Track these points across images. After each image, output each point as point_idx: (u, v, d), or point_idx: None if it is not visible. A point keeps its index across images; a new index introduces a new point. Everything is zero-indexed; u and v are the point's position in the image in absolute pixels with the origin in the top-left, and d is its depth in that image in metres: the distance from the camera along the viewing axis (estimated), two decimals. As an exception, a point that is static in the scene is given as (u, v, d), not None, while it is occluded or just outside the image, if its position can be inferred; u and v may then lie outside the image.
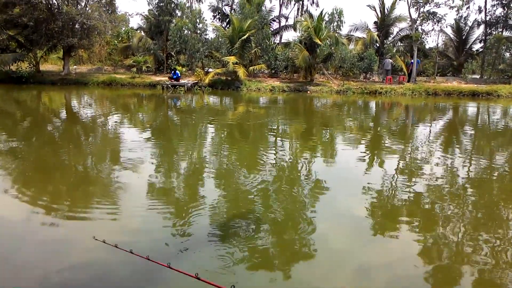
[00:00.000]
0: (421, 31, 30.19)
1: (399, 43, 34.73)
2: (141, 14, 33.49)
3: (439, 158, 9.29)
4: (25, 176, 7.02)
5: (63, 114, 15.95)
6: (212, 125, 13.72)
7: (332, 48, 27.63)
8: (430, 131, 13.62)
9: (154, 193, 6.24)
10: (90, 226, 4.95)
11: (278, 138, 11.39)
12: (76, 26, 26.89)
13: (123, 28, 35.16)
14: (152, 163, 8.09)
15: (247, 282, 3.84)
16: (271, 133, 12.34)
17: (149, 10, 31.85)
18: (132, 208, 5.53)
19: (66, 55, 28.60)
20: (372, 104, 22.56)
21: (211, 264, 4.12)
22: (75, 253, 4.29)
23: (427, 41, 34.36)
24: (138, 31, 33.78)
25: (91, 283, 3.77)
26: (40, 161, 8.07)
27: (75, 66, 31.10)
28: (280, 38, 34.90)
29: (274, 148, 9.94)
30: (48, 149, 9.23)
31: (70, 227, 4.92)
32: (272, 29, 32.57)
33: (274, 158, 8.81)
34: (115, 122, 13.84)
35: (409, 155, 9.74)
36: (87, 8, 27.51)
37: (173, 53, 31.66)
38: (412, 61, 29.35)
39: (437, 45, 35.43)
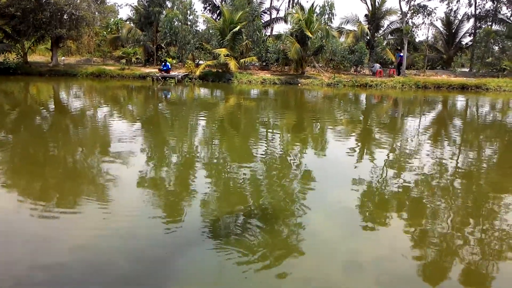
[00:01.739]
0: (412, 24, 30.27)
1: (389, 36, 34.82)
2: (130, 5, 33.22)
3: (428, 150, 9.36)
4: (12, 169, 6.92)
5: (51, 106, 15.75)
6: (202, 118, 13.65)
7: (323, 40, 27.58)
8: (419, 124, 13.71)
9: (144, 186, 6.20)
10: (79, 221, 4.91)
11: (269, 131, 11.38)
12: (65, 17, 26.49)
13: (112, 19, 34.77)
14: (142, 156, 8.04)
15: (237, 275, 3.84)
16: (262, 126, 12.33)
17: (138, 1, 31.52)
18: (122, 201, 5.51)
19: (54, 46, 28.22)
20: (363, 97, 22.63)
21: (202, 259, 4.12)
22: (63, 249, 4.24)
23: (417, 35, 34.49)
24: (128, 22, 33.41)
25: (81, 279, 3.75)
26: (27, 154, 7.97)
27: (63, 58, 30.69)
28: (271, 30, 34.74)
29: (265, 141, 9.93)
30: (36, 142, 9.12)
31: (58, 222, 4.87)
32: (263, 21, 32.39)
33: (265, 151, 8.81)
34: (104, 114, 13.72)
35: (399, 147, 9.80)
36: (76, -2, 27.09)
37: (163, 45, 31.38)
38: (401, 54, 29.47)
39: (427, 38, 35.56)
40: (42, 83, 23.22)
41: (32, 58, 30.24)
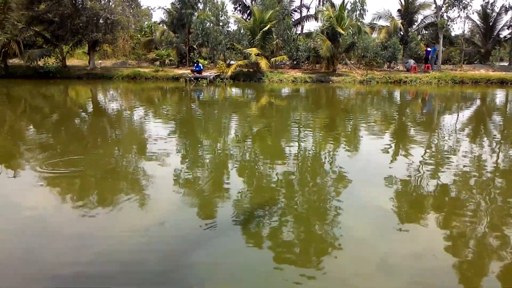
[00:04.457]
0: (447, 18, 29.45)
1: (424, 31, 34.01)
2: (163, 7, 33.76)
3: (466, 148, 9.13)
4: (52, 168, 7.21)
5: (90, 108, 16.32)
6: (235, 117, 13.80)
7: (355, 37, 27.26)
8: (456, 121, 13.36)
9: (180, 184, 6.36)
10: (118, 217, 5.11)
11: (301, 129, 11.39)
12: (100, 21, 27.29)
13: (146, 22, 35.56)
14: (177, 155, 8.23)
15: (271, 272, 3.89)
16: (294, 124, 12.34)
17: (171, 3, 32.12)
18: (158, 198, 5.68)
19: (91, 50, 29.14)
20: (397, 94, 22.23)
21: (235, 254, 4.21)
22: (105, 245, 4.40)
23: (452, 29, 33.50)
24: (161, 25, 34.08)
25: (120, 274, 3.89)
26: (67, 154, 8.26)
27: (100, 61, 31.63)
28: (302, 28, 34.63)
29: (297, 139, 9.95)
30: (76, 142, 9.46)
31: (95, 219, 5.05)
32: (293, 20, 32.32)
33: (298, 149, 8.84)
34: (140, 115, 14.08)
35: (435, 145, 9.60)
36: (111, 3, 27.86)
37: (195, 46, 31.82)
38: (428, 49, 28.72)
39: (463, 32, 34.54)
40: (81, 86, 24.03)
41: (71, 62, 31.33)
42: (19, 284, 3.69)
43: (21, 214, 5.20)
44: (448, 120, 13.52)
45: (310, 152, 8.70)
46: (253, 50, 26.01)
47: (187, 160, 7.95)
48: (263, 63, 25.76)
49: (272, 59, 27.47)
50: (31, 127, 11.76)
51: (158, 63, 29.61)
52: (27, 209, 5.33)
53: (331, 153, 8.62)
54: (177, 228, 4.83)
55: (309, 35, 30.71)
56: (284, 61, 30.19)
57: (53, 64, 27.67)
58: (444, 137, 10.39)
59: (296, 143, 9.53)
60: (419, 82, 25.68)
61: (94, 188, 6.24)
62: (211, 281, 3.76)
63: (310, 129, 11.45)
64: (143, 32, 34.28)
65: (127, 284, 3.71)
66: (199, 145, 9.38)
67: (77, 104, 17.62)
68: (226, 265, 4.00)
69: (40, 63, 27.28)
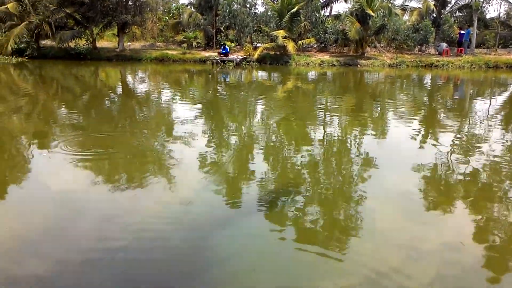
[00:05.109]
0: (482, 0, 28.30)
1: (457, 13, 32.81)
2: (191, -11, 33.68)
3: (497, 135, 8.89)
4: (84, 148, 7.42)
5: (120, 89, 16.62)
6: (261, 100, 13.80)
7: (385, 19, 26.56)
8: (489, 107, 12.97)
9: (205, 165, 6.46)
10: (145, 197, 5.25)
11: (327, 114, 11.31)
12: (129, 3, 27.52)
13: (174, 4, 35.61)
14: (203, 137, 8.34)
15: (294, 257, 3.94)
16: (320, 109, 12.27)
17: (199, -15, 31.99)
18: (184, 179, 5.81)
19: (120, 32, 29.47)
20: (427, 78, 21.69)
21: (258, 238, 4.28)
22: (125, 226, 4.51)
23: (488, 11, 32.07)
24: (188, 7, 34.07)
25: (143, 252, 4.03)
26: (98, 134, 8.48)
27: (129, 43, 31.98)
28: (330, 10, 33.93)
29: (323, 124, 9.90)
30: (106, 123, 9.69)
31: (125, 198, 5.21)
32: (321, 1, 31.69)
33: (323, 134, 8.81)
34: (168, 97, 14.27)
35: (465, 131, 9.39)
36: (139, -15, 28.00)
37: (222, 28, 31.73)
38: (462, 32, 27.69)
39: (499, 14, 33.12)
40: (110, 68, 24.45)
41: (100, 44, 31.75)
42: (50, 260, 3.86)
43: (52, 192, 5.42)
44: (480, 106, 13.15)
45: (336, 136, 8.66)
46: (280, 33, 25.75)
47: (213, 142, 8.05)
48: (290, 46, 25.49)
49: (300, 42, 27.12)
50: (63, 107, 12.10)
51: (185, 45, 29.70)
52: (58, 188, 5.54)
53: (358, 138, 8.56)
54: (202, 209, 4.92)
55: (337, 17, 30.11)
56: (311, 44, 29.74)
57: (83, 45, 28.18)
58: (476, 123, 10.13)
59: (322, 127, 9.49)
60: (451, 66, 24.95)
61: (122, 167, 6.41)
62: (233, 261, 3.85)
63: (337, 114, 11.36)
64: (171, 14, 34.39)
65: (150, 263, 3.80)
66: (225, 128, 9.47)
67: (107, 85, 17.98)
68: (249, 247, 4.09)
69: (71, 44, 27.80)
